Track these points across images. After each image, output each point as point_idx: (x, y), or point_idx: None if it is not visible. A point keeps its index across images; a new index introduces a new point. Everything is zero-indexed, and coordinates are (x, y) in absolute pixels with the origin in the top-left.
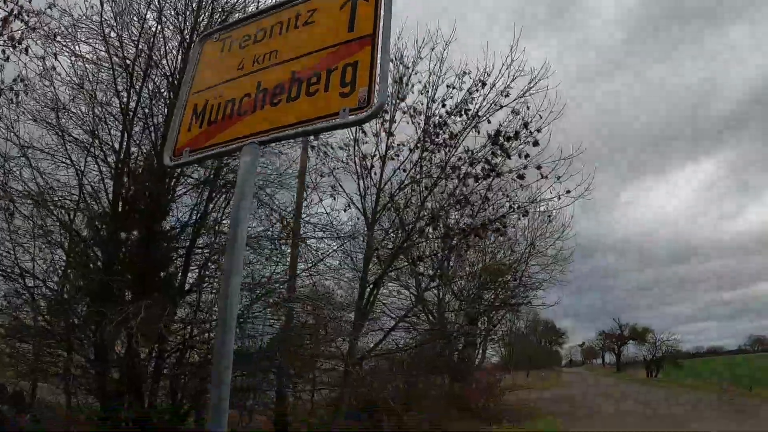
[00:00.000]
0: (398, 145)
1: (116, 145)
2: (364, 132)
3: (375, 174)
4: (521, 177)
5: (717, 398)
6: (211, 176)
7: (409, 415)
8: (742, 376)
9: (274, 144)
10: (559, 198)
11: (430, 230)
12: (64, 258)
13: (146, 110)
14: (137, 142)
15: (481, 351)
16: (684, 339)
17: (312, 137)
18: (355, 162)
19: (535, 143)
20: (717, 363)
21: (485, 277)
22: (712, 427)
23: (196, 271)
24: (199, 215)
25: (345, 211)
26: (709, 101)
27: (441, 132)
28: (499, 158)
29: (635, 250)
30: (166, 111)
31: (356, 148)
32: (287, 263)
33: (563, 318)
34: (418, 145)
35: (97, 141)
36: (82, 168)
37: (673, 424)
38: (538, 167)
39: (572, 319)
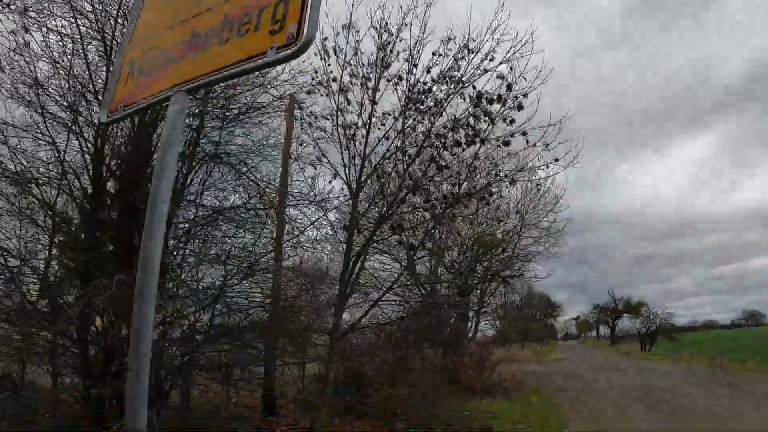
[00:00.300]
0: (383, 114)
1: (96, 121)
2: (348, 101)
3: (359, 144)
4: (507, 144)
5: (709, 372)
6: (190, 149)
7: (396, 389)
8: (736, 349)
9: (254, 113)
10: (547, 166)
11: (415, 199)
12: (47, 238)
13: None
14: None
15: (474, 324)
16: (679, 313)
17: (296, 108)
18: (338, 131)
19: (520, 107)
20: (711, 337)
21: (477, 249)
22: (703, 402)
23: (177, 245)
24: (179, 188)
25: (330, 182)
26: (708, 77)
27: (425, 99)
28: (483, 123)
29: (631, 225)
30: None
31: (338, 116)
32: (270, 235)
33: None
34: (402, 112)
35: (76, 117)
36: (64, 146)
37: (663, 397)
38: (524, 134)
39: (568, 292)
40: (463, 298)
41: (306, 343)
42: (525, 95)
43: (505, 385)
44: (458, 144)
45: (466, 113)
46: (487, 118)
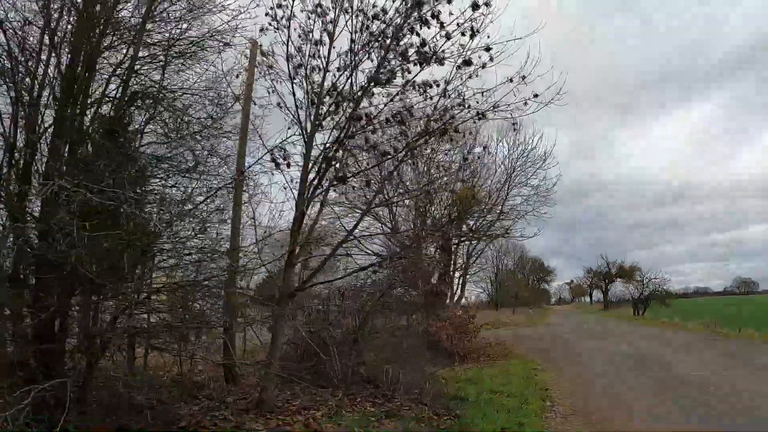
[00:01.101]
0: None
1: None
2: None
3: (315, 83)
4: (468, 63)
5: (703, 339)
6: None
7: (362, 355)
8: (730, 316)
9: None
10: (525, 104)
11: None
12: None
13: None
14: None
15: (460, 287)
16: (672, 279)
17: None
18: (289, 69)
19: (475, 6)
20: (704, 304)
21: (458, 205)
22: (699, 371)
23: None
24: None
25: (288, 129)
26: (708, 43)
27: (378, 22)
28: (434, 30)
29: (627, 192)
30: None
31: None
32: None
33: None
34: (354, 42)
35: None
36: None
37: (656, 364)
38: (487, 49)
39: (564, 258)
40: (445, 256)
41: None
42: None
43: (489, 351)
44: (405, 57)
45: (407, 13)
46: (436, 23)
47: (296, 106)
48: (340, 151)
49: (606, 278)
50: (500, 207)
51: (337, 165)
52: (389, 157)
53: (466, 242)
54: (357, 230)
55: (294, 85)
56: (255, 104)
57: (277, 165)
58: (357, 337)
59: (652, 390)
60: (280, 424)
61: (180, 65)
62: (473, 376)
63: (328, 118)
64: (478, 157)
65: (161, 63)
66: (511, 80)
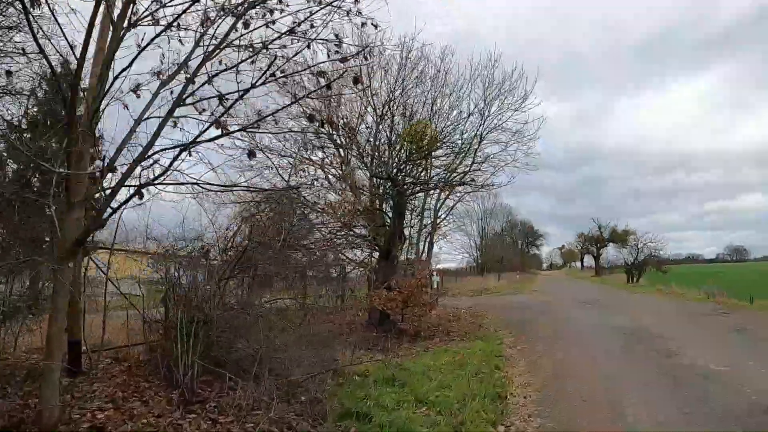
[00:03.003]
0: None
1: None
2: None
3: None
4: None
5: (710, 311)
6: None
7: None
8: (732, 284)
9: None
10: None
11: None
12: None
13: None
14: None
15: (426, 248)
16: (670, 245)
17: None
18: None
19: None
20: (699, 270)
21: (409, 144)
22: (718, 360)
23: None
24: None
25: None
26: (711, 13)
27: None
28: None
29: (627, 160)
30: None
31: None
32: None
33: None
34: None
35: None
36: None
37: (663, 347)
38: None
39: (561, 225)
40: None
41: None
42: None
43: (454, 326)
44: None
45: None
46: None
47: None
48: None
49: (598, 243)
50: (472, 155)
51: None
52: None
53: (431, 193)
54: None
55: None
56: None
57: None
58: (208, 318)
59: (668, 396)
60: None
61: None
62: (408, 368)
63: None
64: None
65: None
66: None
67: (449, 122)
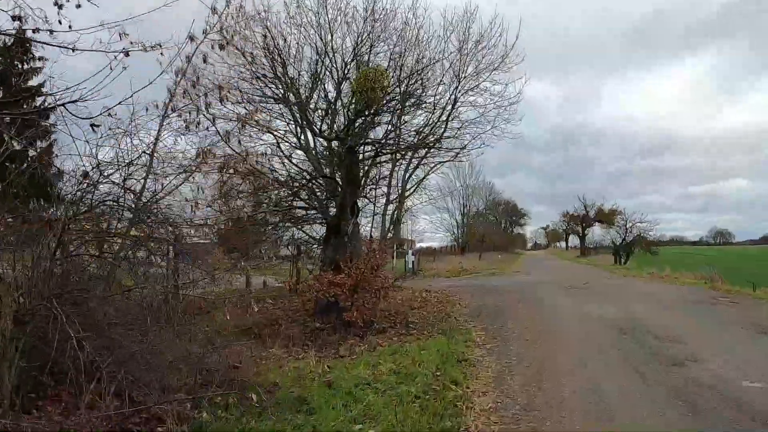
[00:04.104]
0: None
1: None
2: None
3: None
4: None
5: (710, 298)
6: None
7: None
8: (726, 269)
9: None
10: None
11: None
12: None
13: None
14: None
15: (391, 225)
16: (655, 227)
17: None
18: None
19: None
20: (686, 252)
21: (360, 95)
22: (747, 373)
23: None
24: None
25: None
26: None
27: None
28: None
29: (614, 142)
30: None
31: None
32: None
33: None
34: None
35: None
36: None
37: (669, 350)
38: None
39: (547, 205)
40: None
41: None
42: None
43: (416, 315)
44: None
45: None
46: None
47: None
48: None
49: (584, 222)
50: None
51: None
52: None
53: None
54: None
55: None
56: None
57: None
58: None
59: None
60: None
61: None
62: (335, 380)
63: None
64: None
65: None
66: None
67: (418, 81)
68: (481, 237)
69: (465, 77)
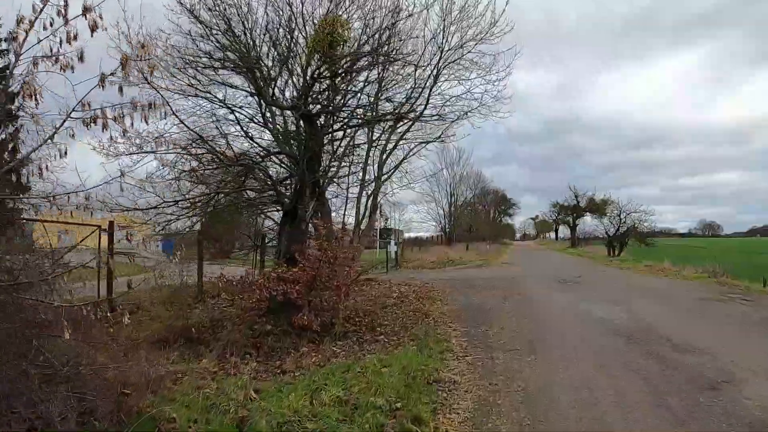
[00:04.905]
0: None
1: None
2: None
3: None
4: None
5: (719, 294)
6: None
7: None
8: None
9: None
10: None
11: None
12: None
13: None
14: None
15: (366, 212)
16: (650, 217)
17: None
18: None
19: None
20: (677, 244)
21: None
22: None
23: None
24: None
25: None
26: None
27: None
28: None
29: (606, 133)
30: None
31: None
32: None
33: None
34: None
35: None
36: None
37: (695, 366)
38: None
39: (537, 195)
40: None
41: None
42: None
43: (382, 317)
44: None
45: None
46: None
47: None
48: None
49: (575, 212)
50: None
51: None
52: None
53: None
54: None
55: None
56: None
57: None
58: None
59: None
60: None
61: None
62: (255, 415)
63: None
64: None
65: None
66: None
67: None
68: (468, 227)
69: (449, 50)
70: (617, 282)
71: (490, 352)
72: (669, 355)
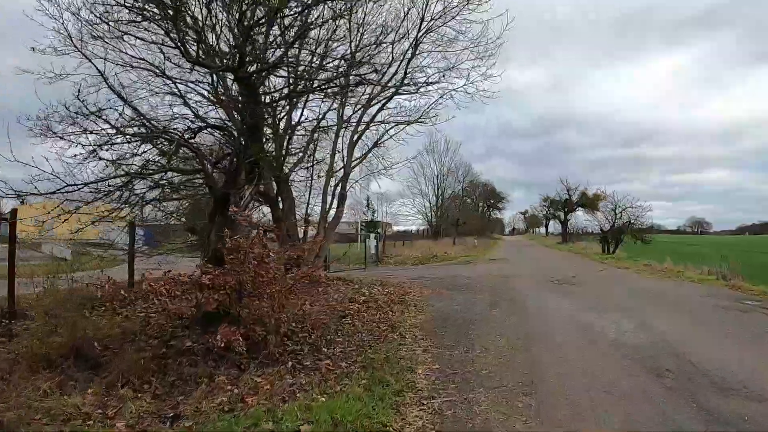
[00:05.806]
0: None
1: None
2: None
3: None
4: None
5: (739, 300)
6: None
7: None
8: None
9: None
10: None
11: None
12: None
13: None
14: None
15: (332, 202)
16: (647, 212)
17: None
18: None
19: None
20: (670, 242)
21: None
22: None
23: None
24: None
25: None
26: None
27: None
28: None
29: (596, 129)
30: None
31: None
32: None
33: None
34: None
35: None
36: None
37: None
38: None
39: (527, 190)
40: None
41: None
42: None
43: (334, 333)
44: None
45: None
46: None
47: None
48: None
49: (566, 207)
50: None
51: None
52: None
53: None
54: None
55: None
56: None
57: None
58: None
59: None
60: None
61: None
62: None
63: None
64: None
65: None
66: None
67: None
68: (456, 220)
69: (432, 20)
70: (619, 284)
71: (468, 392)
72: (715, 402)
